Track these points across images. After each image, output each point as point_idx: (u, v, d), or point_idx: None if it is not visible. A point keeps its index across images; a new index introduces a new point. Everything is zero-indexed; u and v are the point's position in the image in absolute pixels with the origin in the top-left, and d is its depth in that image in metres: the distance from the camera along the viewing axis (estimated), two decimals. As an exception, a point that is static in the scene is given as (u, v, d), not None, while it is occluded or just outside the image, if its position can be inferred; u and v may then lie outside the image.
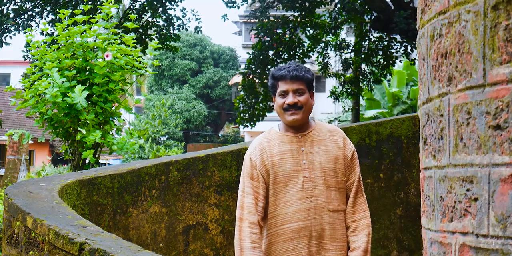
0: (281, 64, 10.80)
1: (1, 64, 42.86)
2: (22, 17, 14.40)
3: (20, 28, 14.34)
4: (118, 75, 5.63)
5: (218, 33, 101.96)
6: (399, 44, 14.49)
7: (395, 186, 5.75)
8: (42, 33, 13.57)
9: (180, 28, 15.60)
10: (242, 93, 15.60)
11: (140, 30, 14.77)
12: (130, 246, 2.90)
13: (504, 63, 1.59)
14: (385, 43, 14.86)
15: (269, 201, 3.21)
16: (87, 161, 5.64)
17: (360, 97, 18.23)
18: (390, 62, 15.01)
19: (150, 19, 15.35)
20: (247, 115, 15.33)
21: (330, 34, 15.27)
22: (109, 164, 29.08)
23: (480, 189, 1.64)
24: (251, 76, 15.10)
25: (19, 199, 3.68)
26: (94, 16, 5.96)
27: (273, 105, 4.39)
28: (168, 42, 15.48)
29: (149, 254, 2.78)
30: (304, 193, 3.18)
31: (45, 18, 14.66)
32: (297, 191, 3.18)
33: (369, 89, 16.32)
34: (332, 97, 16.39)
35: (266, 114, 15.43)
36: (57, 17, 12.76)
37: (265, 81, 14.46)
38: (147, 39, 14.85)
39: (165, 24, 15.36)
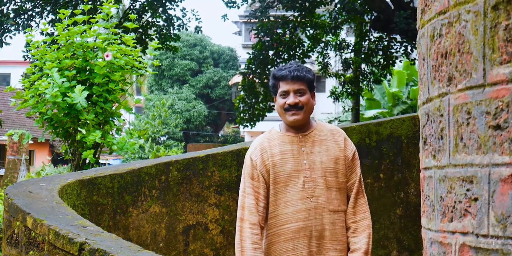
0: (281, 64, 10.79)
1: (1, 64, 42.84)
2: (22, 17, 14.40)
3: (20, 28, 14.34)
4: (118, 75, 5.63)
5: (218, 33, 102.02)
6: (399, 44, 14.48)
7: (395, 186, 5.75)
8: (42, 33, 13.60)
9: (180, 28, 15.60)
10: (242, 93, 15.60)
11: (140, 30, 14.77)
12: (130, 246, 2.90)
13: (504, 63, 1.58)
14: (385, 43, 14.86)
15: (269, 201, 3.21)
16: (87, 161, 5.64)
17: (360, 97, 18.23)
18: (390, 62, 15.01)
19: (150, 19, 15.35)
20: (247, 115, 15.33)
21: (330, 34, 15.27)
22: (109, 164, 29.06)
23: (480, 189, 1.64)
24: (251, 76, 15.10)
25: (19, 199, 3.68)
26: (94, 16, 5.96)
27: (273, 105, 4.39)
28: (168, 42, 15.48)
29: (149, 254, 2.78)
30: (305, 193, 3.18)
31: (45, 18, 14.66)
32: (298, 191, 3.18)
33: (369, 89, 16.31)
34: (332, 97, 16.38)
35: (266, 114, 15.42)
36: (57, 17, 12.76)
37: (265, 81, 14.46)
38: (147, 39, 14.85)
39: (165, 24, 15.36)
